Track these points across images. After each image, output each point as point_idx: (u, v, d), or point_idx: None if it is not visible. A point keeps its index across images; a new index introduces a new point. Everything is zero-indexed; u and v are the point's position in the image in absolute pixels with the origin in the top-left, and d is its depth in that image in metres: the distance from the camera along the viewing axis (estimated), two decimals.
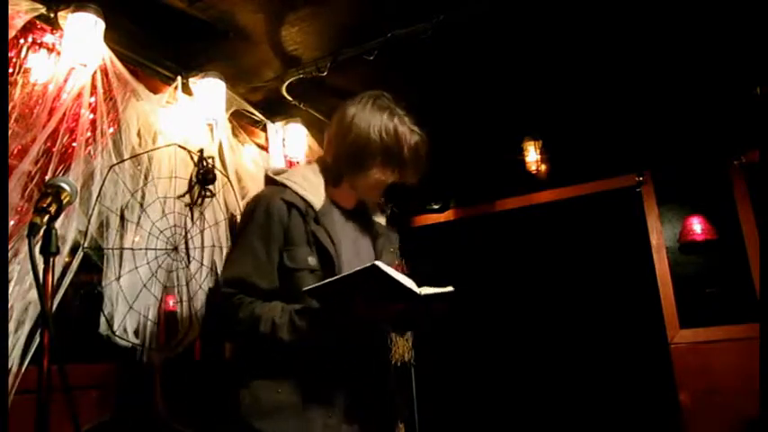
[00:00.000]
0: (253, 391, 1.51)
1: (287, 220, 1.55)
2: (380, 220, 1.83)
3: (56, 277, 1.81)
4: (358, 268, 1.37)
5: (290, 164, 3.06)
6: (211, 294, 2.12)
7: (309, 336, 1.46)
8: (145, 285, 2.23)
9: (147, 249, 2.28)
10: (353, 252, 1.66)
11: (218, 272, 2.41)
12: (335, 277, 1.42)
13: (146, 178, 2.37)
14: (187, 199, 2.51)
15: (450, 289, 1.50)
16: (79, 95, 2.13)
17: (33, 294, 1.82)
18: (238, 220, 2.44)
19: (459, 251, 4.35)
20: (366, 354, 1.62)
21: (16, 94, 1.95)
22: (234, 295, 1.51)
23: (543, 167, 3.84)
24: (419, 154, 1.64)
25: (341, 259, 1.57)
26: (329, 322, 1.47)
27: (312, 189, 1.63)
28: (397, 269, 1.49)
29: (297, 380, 1.50)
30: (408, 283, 1.39)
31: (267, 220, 1.55)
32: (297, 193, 1.60)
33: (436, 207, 4.36)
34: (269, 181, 1.71)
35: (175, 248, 2.40)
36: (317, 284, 1.42)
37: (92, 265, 2.13)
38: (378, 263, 1.33)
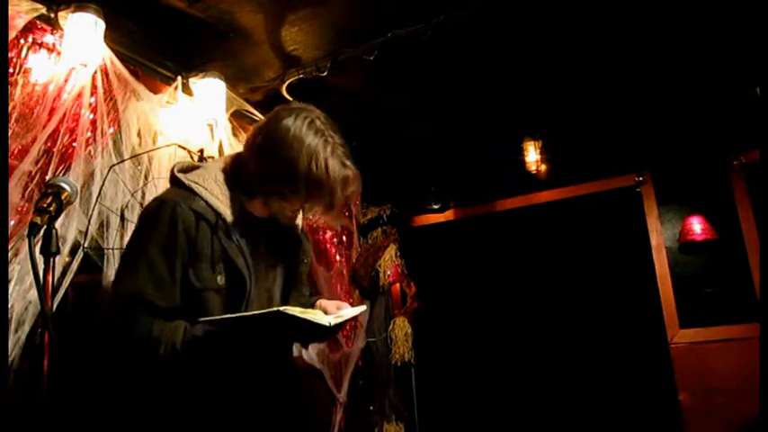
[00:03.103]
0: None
1: (194, 233, 1.38)
2: (295, 227, 1.66)
3: (56, 277, 1.81)
4: (261, 312, 1.27)
5: None
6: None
7: (213, 352, 1.33)
8: None
9: None
10: (262, 270, 1.53)
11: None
12: (236, 315, 1.30)
13: (146, 178, 2.37)
14: None
15: (363, 308, 1.45)
16: (79, 95, 2.13)
17: (33, 294, 1.82)
18: None
19: (459, 251, 4.35)
20: (267, 374, 1.50)
21: (16, 94, 1.95)
22: (128, 313, 1.32)
23: (543, 167, 3.85)
24: (345, 191, 1.46)
25: (252, 282, 1.43)
26: (233, 341, 1.34)
27: (224, 198, 1.46)
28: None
29: (194, 413, 1.36)
30: (317, 317, 1.31)
31: (171, 230, 1.36)
32: (207, 203, 1.43)
33: (436, 207, 4.36)
34: (175, 181, 1.49)
35: None
36: (214, 318, 1.31)
37: (92, 265, 2.13)
38: (282, 309, 1.24)
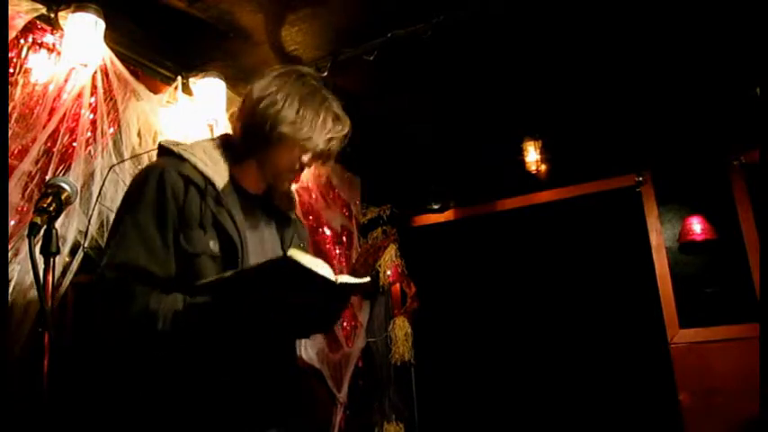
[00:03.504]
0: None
1: (182, 198, 1.32)
2: (290, 211, 1.61)
3: (56, 277, 1.81)
4: (267, 260, 1.20)
5: None
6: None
7: (214, 321, 1.25)
8: None
9: None
10: (258, 240, 1.47)
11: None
12: (238, 270, 1.23)
13: None
14: None
15: (367, 279, 1.41)
16: (79, 96, 2.13)
17: (33, 294, 1.82)
18: None
19: (459, 251, 4.35)
20: (267, 356, 1.42)
21: (16, 94, 1.95)
22: (124, 283, 1.24)
23: (543, 167, 3.84)
24: (338, 137, 1.45)
25: (245, 246, 1.37)
26: (235, 303, 1.25)
27: (214, 166, 1.42)
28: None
29: (193, 413, 1.29)
30: (324, 271, 1.21)
31: (160, 196, 1.31)
32: (196, 168, 1.37)
33: (436, 207, 4.36)
34: (164, 151, 1.45)
35: None
36: (212, 279, 1.24)
37: (92, 264, 2.13)
38: (291, 252, 1.15)
